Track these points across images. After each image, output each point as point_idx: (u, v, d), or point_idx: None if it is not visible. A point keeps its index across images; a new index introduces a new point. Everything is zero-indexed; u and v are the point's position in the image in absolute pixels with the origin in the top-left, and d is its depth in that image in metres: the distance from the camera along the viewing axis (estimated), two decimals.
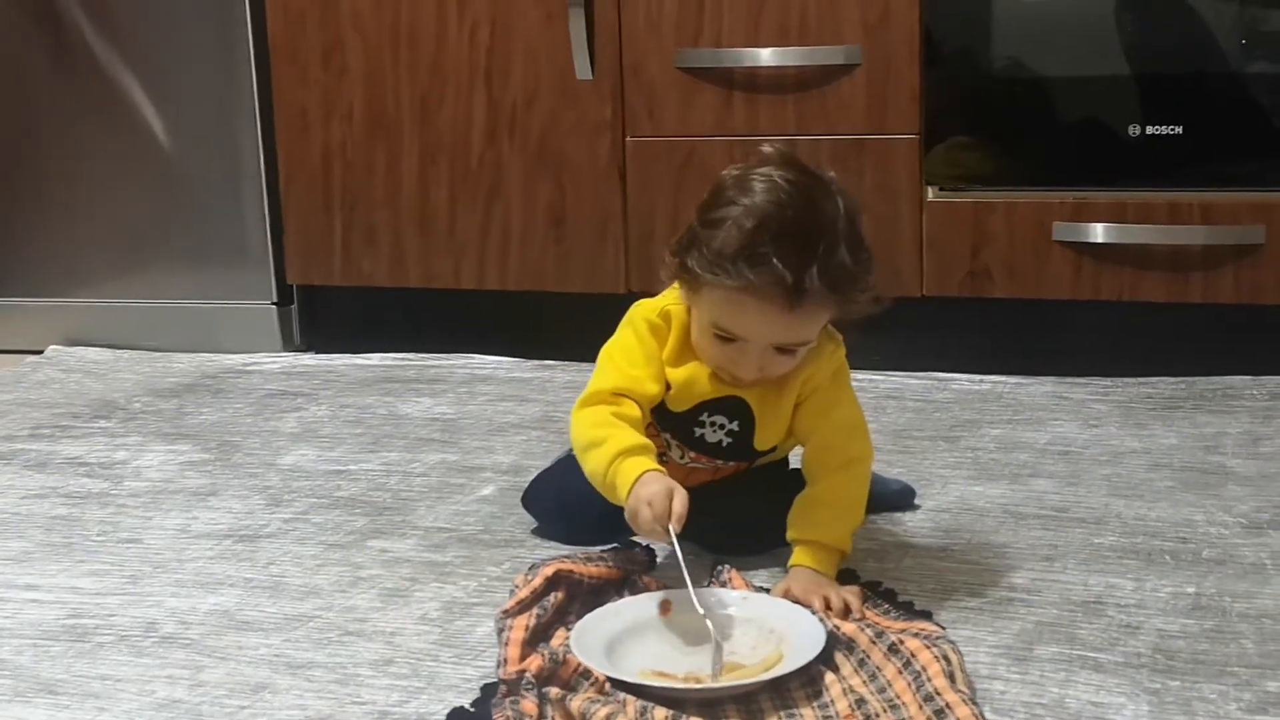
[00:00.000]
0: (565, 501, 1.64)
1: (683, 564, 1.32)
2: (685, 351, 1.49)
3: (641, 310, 1.51)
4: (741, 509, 1.54)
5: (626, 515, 1.38)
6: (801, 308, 1.38)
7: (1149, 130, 2.26)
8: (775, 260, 1.35)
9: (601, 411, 1.45)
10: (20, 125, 2.83)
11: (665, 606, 1.34)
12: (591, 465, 1.43)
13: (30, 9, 2.78)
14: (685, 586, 1.32)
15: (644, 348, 1.49)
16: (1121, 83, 2.29)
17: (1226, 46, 2.25)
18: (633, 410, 1.46)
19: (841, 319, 1.45)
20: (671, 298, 1.50)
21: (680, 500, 1.34)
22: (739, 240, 1.37)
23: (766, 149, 1.44)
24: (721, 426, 1.51)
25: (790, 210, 1.37)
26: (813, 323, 1.42)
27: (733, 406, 1.49)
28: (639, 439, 1.42)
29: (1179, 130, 2.25)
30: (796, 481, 1.52)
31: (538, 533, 1.67)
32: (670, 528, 1.33)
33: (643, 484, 1.37)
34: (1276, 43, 2.23)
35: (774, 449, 1.56)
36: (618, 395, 1.46)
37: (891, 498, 1.71)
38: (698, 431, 1.51)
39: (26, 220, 2.87)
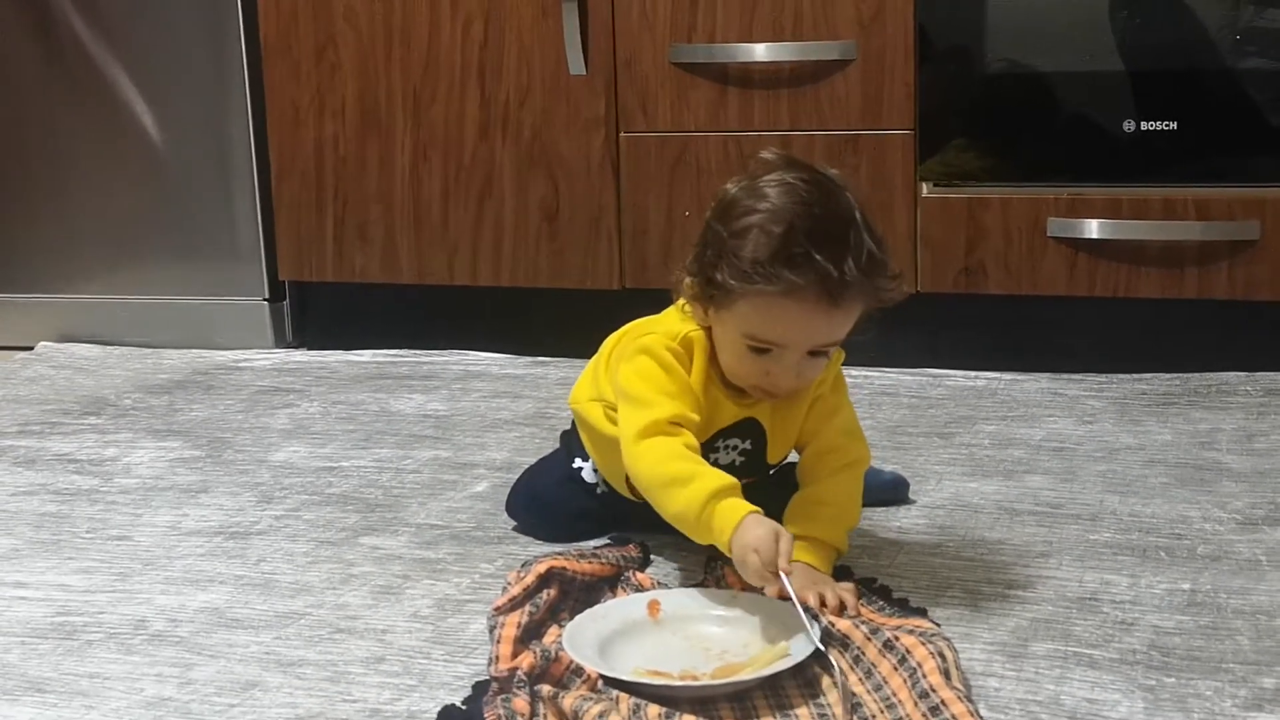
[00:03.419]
0: (537, 502, 1.65)
1: (795, 600, 1.27)
2: (709, 379, 1.46)
3: (656, 339, 1.45)
4: None
5: (735, 562, 1.33)
6: (843, 303, 1.36)
7: (1143, 126, 2.26)
8: (816, 256, 1.33)
9: (673, 443, 1.39)
10: (11, 121, 2.82)
11: (653, 607, 1.34)
12: (678, 505, 1.36)
13: (21, 5, 2.77)
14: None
15: (675, 379, 1.43)
16: (1116, 78, 2.29)
17: (1220, 42, 2.24)
18: (694, 441, 1.41)
19: (874, 309, 1.41)
20: (676, 322, 1.46)
21: (786, 540, 1.30)
22: (772, 244, 1.35)
23: (767, 155, 1.42)
24: (735, 448, 1.50)
25: (816, 208, 1.36)
26: (849, 318, 1.40)
27: (747, 428, 1.48)
28: (726, 478, 1.36)
29: (1173, 126, 2.25)
30: (790, 482, 1.52)
31: (530, 530, 1.66)
32: (780, 568, 1.28)
33: (746, 529, 1.31)
34: (1270, 38, 2.22)
35: (782, 461, 1.55)
36: (675, 425, 1.41)
37: (885, 489, 1.70)
38: (712, 457, 1.48)
39: (17, 216, 2.86)
